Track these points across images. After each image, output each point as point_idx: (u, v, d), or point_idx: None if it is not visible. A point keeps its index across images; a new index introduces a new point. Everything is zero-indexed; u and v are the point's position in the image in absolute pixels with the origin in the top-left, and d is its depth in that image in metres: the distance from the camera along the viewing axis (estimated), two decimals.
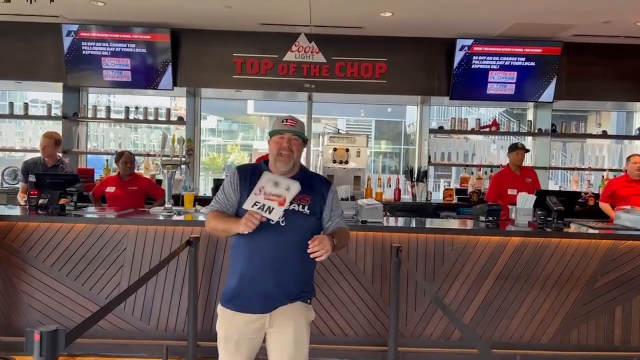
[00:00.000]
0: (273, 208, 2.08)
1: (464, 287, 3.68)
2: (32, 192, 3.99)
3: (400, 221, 4.35)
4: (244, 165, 2.45)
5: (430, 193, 6.22)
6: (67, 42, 5.69)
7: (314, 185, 2.29)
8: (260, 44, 5.91)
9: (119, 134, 6.49)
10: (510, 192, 4.71)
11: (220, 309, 2.29)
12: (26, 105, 6.28)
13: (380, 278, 3.67)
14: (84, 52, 5.73)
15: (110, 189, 4.68)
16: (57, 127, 6.19)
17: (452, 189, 6.18)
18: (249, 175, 2.27)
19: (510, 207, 4.10)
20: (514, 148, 5.02)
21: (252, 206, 2.08)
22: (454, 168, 7.70)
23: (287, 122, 2.26)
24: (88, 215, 3.75)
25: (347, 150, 5.97)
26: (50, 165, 4.70)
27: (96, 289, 3.65)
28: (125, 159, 4.68)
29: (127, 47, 5.73)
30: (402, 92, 6.03)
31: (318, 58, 5.90)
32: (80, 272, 3.62)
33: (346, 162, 5.98)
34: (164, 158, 4.04)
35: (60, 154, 5.03)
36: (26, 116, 6.29)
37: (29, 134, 6.32)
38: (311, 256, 2.09)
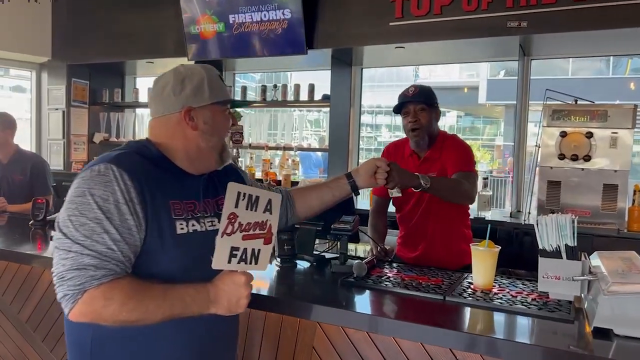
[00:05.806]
0: (259, 251, 1.21)
1: None
2: (39, 200, 2.71)
3: None
4: (122, 159, 1.21)
5: None
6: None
7: (228, 178, 1.32)
8: None
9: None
10: None
11: None
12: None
13: None
14: None
15: None
16: None
17: None
18: (151, 181, 1.22)
19: None
20: None
21: (230, 261, 1.15)
22: None
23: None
24: None
25: (590, 135, 3.22)
26: (6, 161, 3.37)
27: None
28: None
29: None
30: None
31: None
32: (46, 332, 2.20)
33: (587, 158, 3.23)
34: None
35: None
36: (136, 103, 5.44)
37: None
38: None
